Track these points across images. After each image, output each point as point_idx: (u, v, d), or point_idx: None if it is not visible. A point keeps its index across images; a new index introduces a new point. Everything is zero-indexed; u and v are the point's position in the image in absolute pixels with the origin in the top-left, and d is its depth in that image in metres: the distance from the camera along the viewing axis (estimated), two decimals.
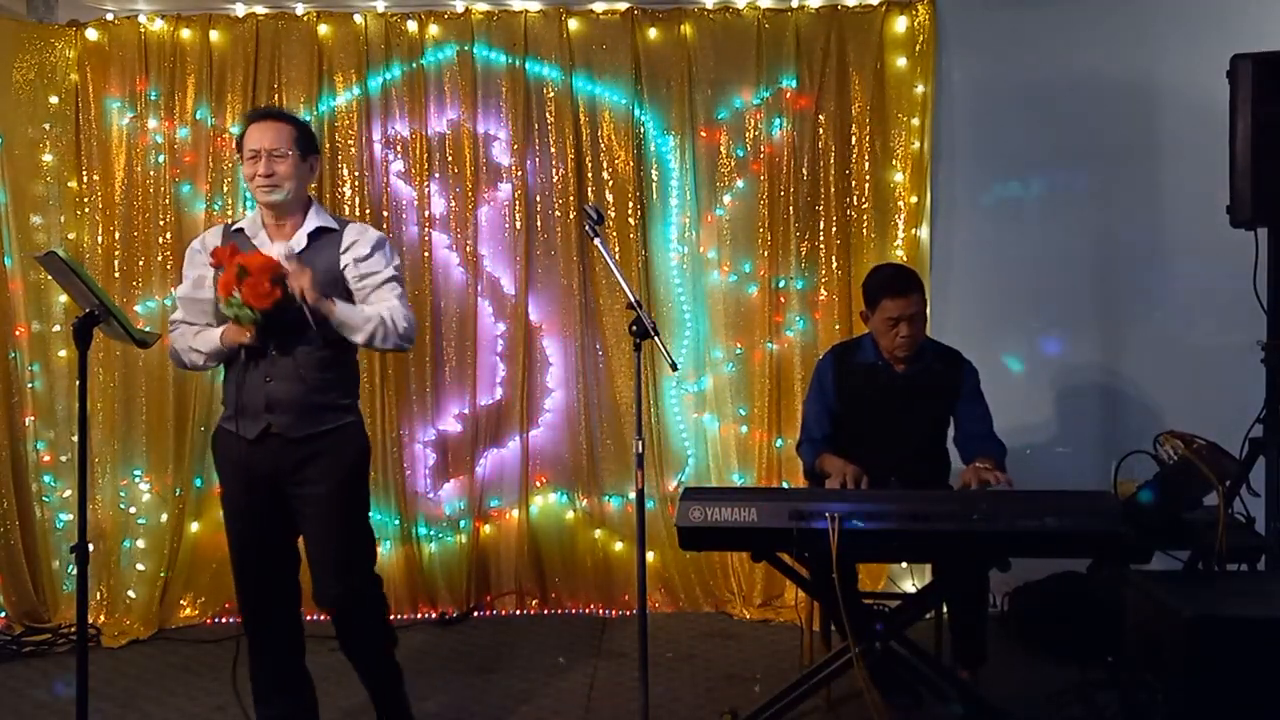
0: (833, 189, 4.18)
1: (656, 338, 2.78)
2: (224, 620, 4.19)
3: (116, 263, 4.22)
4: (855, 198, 4.20)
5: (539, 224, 4.28)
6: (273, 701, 2.92)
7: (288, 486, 2.76)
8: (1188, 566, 3.13)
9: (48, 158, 4.22)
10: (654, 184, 4.27)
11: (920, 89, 4.14)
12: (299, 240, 2.76)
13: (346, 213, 4.14)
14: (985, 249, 4.21)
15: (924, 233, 4.17)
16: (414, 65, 4.22)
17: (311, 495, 2.75)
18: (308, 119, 4.15)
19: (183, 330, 2.82)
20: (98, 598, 4.12)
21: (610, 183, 4.25)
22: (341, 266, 2.76)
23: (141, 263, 4.23)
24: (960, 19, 4.17)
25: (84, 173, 4.24)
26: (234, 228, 2.88)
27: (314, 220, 2.79)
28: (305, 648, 3.00)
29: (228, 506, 2.87)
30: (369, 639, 2.94)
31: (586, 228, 2.94)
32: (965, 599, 3.23)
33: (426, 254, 4.23)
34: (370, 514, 2.96)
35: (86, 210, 4.24)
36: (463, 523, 4.28)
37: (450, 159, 4.25)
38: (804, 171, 4.19)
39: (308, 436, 2.73)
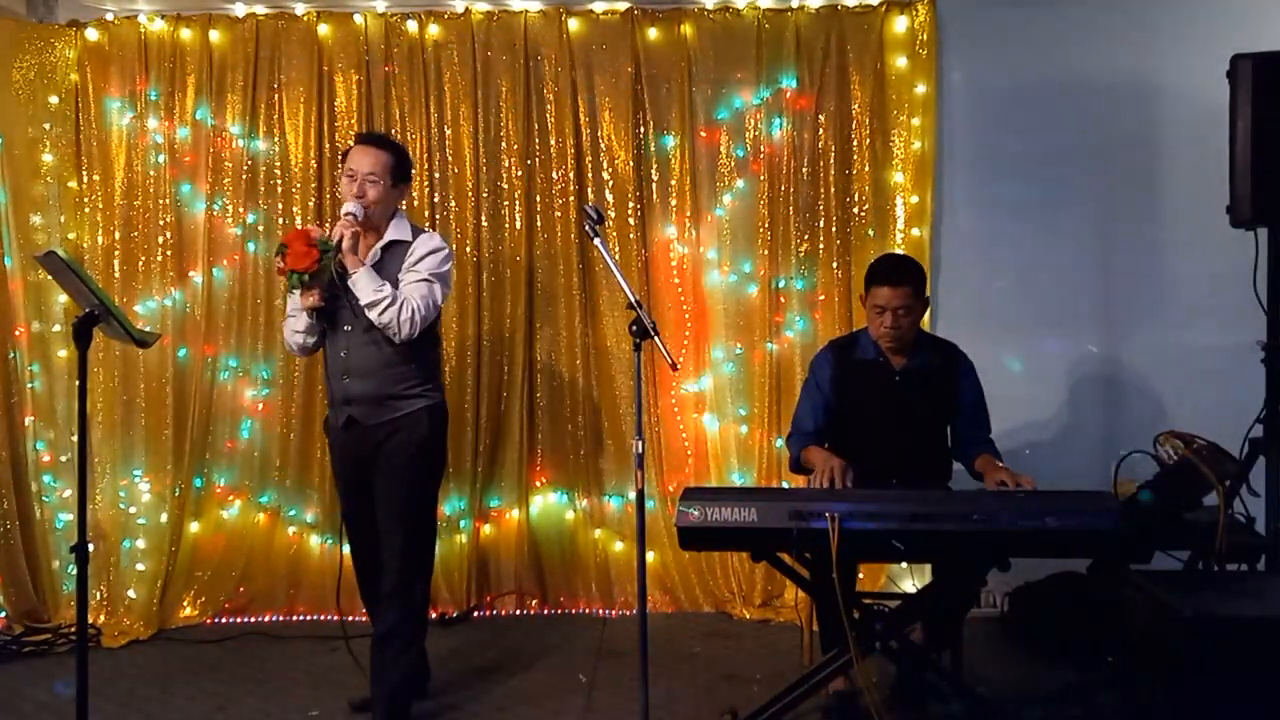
0: (833, 189, 4.18)
1: (656, 338, 2.78)
2: (224, 620, 4.19)
3: (116, 263, 4.23)
4: (855, 198, 4.20)
5: (539, 224, 4.28)
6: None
7: (370, 465, 3.12)
8: (1188, 566, 3.13)
9: (48, 158, 4.22)
10: (654, 184, 4.27)
11: (920, 89, 4.14)
12: (374, 253, 3.08)
13: None
14: (985, 249, 4.21)
15: (924, 233, 4.17)
16: (414, 65, 4.22)
17: (387, 467, 3.10)
18: (310, 119, 4.19)
19: (287, 320, 3.20)
20: (98, 598, 4.11)
21: (610, 183, 4.25)
22: (401, 271, 3.08)
23: (141, 263, 4.24)
24: (960, 19, 4.17)
25: (84, 173, 4.24)
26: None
27: (391, 234, 3.12)
28: None
29: (337, 483, 3.36)
30: (401, 612, 3.12)
31: (586, 228, 2.94)
32: (961, 599, 3.21)
33: None
34: (434, 494, 3.28)
35: (86, 210, 4.24)
36: (463, 523, 4.28)
37: (450, 159, 4.26)
38: (804, 171, 4.19)
39: (383, 423, 3.09)
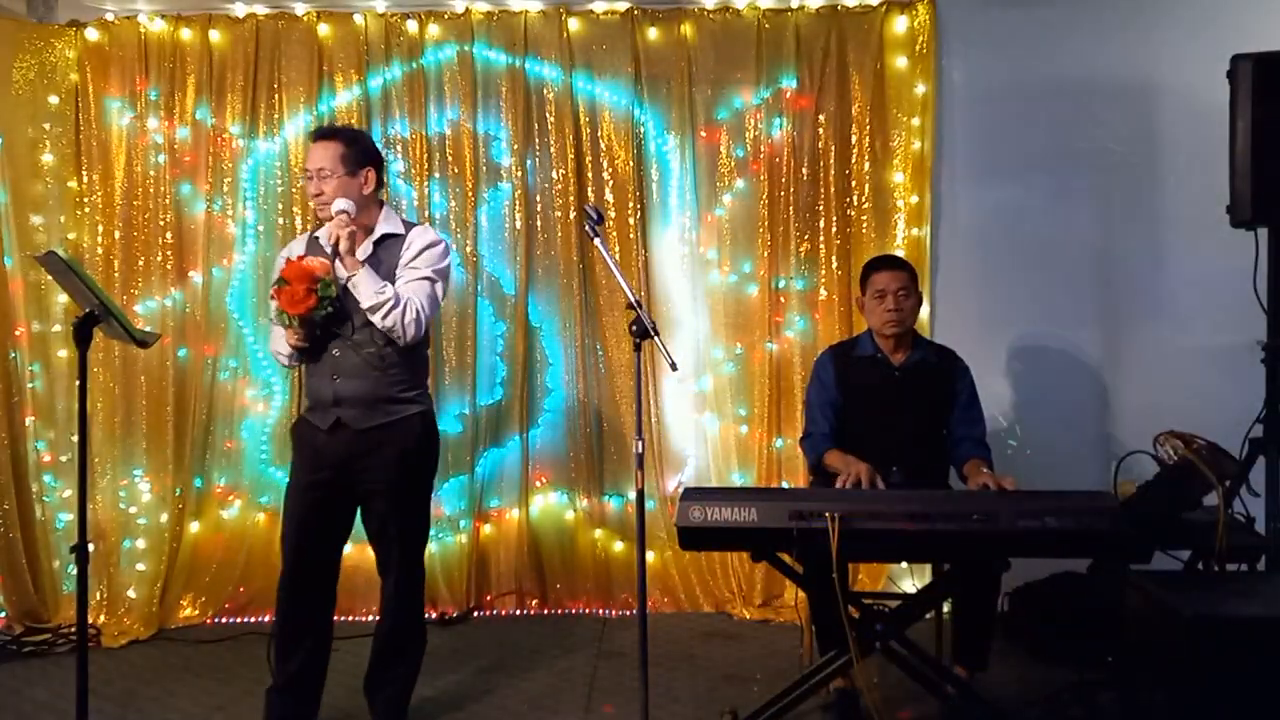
0: (833, 189, 4.18)
1: (656, 338, 2.78)
2: (224, 620, 4.19)
3: (116, 263, 4.22)
4: (855, 198, 4.20)
5: (539, 224, 4.28)
6: (291, 658, 3.04)
7: (355, 472, 2.96)
8: (1188, 566, 3.13)
9: (48, 158, 4.22)
10: (654, 184, 4.27)
11: (920, 89, 4.14)
12: (365, 248, 2.95)
13: None
14: (985, 249, 4.21)
15: (924, 233, 4.17)
16: (414, 65, 4.22)
17: (376, 478, 2.96)
18: (310, 119, 4.19)
19: (272, 332, 3.07)
20: (98, 598, 4.11)
21: (610, 183, 4.25)
22: (399, 267, 2.97)
23: (141, 263, 4.23)
24: (960, 19, 4.17)
25: (84, 173, 4.23)
26: (314, 234, 3.08)
27: (382, 227, 3.00)
28: (332, 631, 3.16)
29: (292, 487, 3.08)
30: (406, 615, 3.11)
31: (586, 228, 2.94)
32: (973, 601, 3.20)
33: None
34: (430, 496, 3.20)
35: (86, 210, 4.24)
36: (463, 523, 4.28)
37: (450, 159, 4.25)
38: (804, 171, 4.19)
39: (373, 428, 2.94)
